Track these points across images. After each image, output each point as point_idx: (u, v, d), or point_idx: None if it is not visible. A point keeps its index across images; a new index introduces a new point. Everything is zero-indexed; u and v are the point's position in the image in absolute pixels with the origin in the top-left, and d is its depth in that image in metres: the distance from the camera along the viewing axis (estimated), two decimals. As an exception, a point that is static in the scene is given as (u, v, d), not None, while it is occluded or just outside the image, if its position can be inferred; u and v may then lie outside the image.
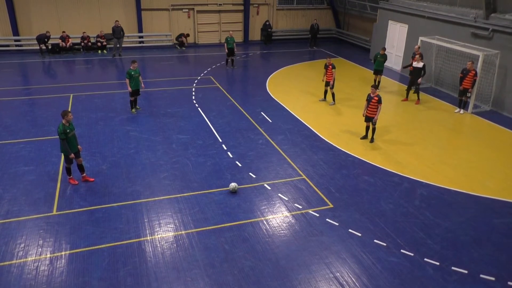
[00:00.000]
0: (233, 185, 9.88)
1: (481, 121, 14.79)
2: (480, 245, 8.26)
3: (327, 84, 15.78)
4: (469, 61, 14.88)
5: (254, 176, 10.66)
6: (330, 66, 15.43)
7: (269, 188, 10.16)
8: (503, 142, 13.07)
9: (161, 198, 9.62)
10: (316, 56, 24.08)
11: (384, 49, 17.51)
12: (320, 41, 27.46)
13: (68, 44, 23.01)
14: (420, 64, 15.69)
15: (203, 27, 26.58)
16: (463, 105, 15.37)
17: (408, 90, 16.54)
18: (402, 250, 8.05)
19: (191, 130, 13.37)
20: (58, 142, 10.13)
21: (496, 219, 9.11)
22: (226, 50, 20.53)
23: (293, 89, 17.74)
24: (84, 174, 10.22)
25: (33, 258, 7.68)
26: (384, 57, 17.22)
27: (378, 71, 17.45)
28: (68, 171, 10.02)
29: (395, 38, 21.09)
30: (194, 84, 18.25)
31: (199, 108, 15.33)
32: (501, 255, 8.00)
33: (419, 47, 16.88)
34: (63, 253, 7.80)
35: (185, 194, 9.79)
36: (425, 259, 7.82)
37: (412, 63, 16.10)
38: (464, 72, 14.84)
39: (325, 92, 16.17)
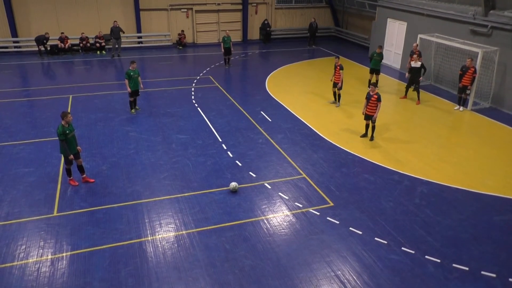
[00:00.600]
0: (233, 184, 9.89)
1: (481, 118, 14.79)
2: (481, 243, 8.27)
3: (334, 85, 15.43)
4: (468, 58, 14.88)
5: (254, 175, 10.66)
6: (338, 67, 15.02)
7: (269, 187, 10.17)
8: (503, 139, 13.07)
9: (162, 198, 9.63)
10: (315, 55, 24.07)
11: (381, 47, 17.23)
12: (319, 40, 27.45)
13: (67, 45, 22.98)
14: (418, 64, 15.63)
15: (202, 26, 26.57)
16: (462, 102, 15.36)
17: (407, 88, 16.52)
18: (402, 248, 8.07)
19: (190, 130, 13.37)
20: (58, 143, 10.12)
21: (496, 217, 9.12)
22: (223, 50, 20.59)
23: (293, 88, 17.73)
24: (84, 175, 10.22)
25: (34, 259, 7.69)
26: (381, 56, 17.02)
27: (375, 70, 17.25)
28: (68, 172, 10.03)
29: (394, 36, 21.08)
30: (194, 84, 18.25)
31: (198, 108, 15.33)
32: (501, 252, 8.01)
33: (417, 45, 16.87)
34: (64, 254, 7.81)
35: (185, 194, 9.80)
36: (426, 257, 7.83)
37: (410, 63, 16.03)
38: (464, 69, 14.84)
39: (334, 93, 15.65)
